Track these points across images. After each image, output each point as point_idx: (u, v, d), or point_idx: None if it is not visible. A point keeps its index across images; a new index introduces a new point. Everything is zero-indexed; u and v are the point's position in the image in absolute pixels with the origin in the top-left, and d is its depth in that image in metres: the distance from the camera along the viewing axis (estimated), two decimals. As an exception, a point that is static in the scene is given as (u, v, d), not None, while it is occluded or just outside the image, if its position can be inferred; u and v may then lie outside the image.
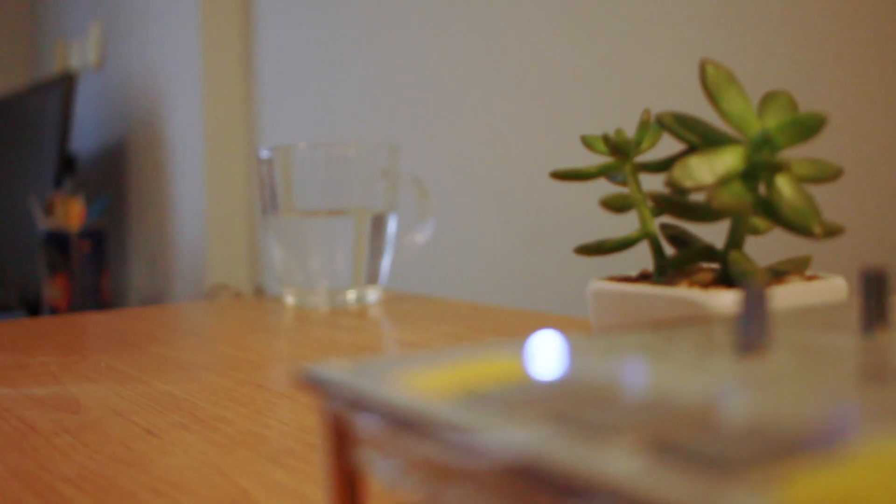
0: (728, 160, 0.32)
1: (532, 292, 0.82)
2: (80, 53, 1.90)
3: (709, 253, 0.34)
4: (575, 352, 0.21)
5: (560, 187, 0.78)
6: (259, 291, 1.33)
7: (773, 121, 0.33)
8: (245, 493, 0.30)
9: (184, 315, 0.83)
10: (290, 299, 0.77)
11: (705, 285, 0.33)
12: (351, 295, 0.75)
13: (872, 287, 0.24)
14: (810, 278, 0.34)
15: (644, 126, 0.35)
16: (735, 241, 0.34)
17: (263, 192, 0.77)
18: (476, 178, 0.90)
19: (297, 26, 1.21)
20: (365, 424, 0.19)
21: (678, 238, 0.36)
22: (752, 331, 0.21)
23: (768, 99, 0.34)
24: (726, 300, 0.31)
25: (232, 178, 1.35)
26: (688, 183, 0.31)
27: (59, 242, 1.48)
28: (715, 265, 0.35)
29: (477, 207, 0.89)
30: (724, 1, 0.65)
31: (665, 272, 0.35)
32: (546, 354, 0.21)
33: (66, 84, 1.58)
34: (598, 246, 0.36)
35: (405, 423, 0.17)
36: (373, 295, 0.77)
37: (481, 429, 0.15)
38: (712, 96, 0.33)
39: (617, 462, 0.13)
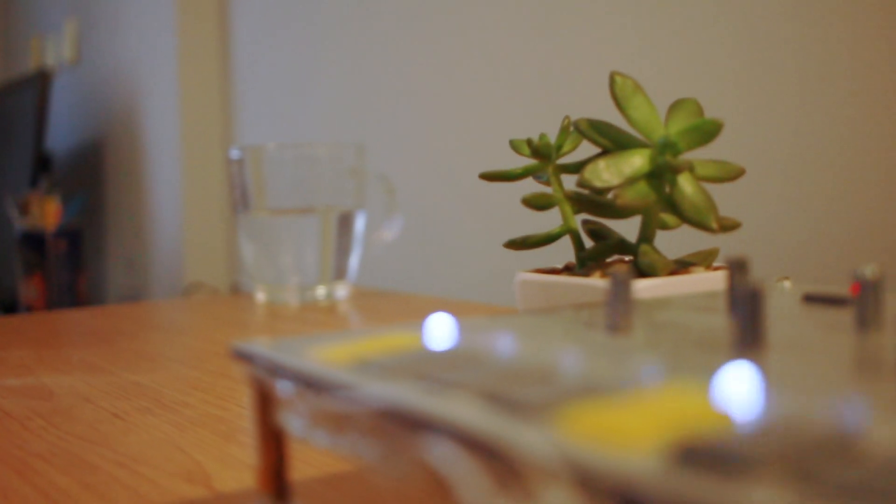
0: (634, 162, 0.36)
1: (499, 287, 0.87)
2: (56, 51, 1.94)
3: (623, 246, 0.39)
4: (462, 329, 0.26)
5: (527, 185, 0.82)
6: (235, 289, 1.37)
7: (675, 126, 0.37)
8: (199, 464, 0.35)
9: (157, 311, 0.87)
10: (261, 296, 0.82)
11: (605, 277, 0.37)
12: (320, 291, 0.80)
13: (735, 272, 0.29)
14: (715, 269, 0.39)
15: (565, 131, 0.40)
16: (645, 235, 0.38)
17: (234, 192, 0.82)
18: (446, 176, 0.94)
19: (273, 26, 1.25)
20: (281, 389, 0.24)
21: (597, 233, 0.40)
22: (616, 313, 0.26)
23: (676, 106, 0.39)
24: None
25: (209, 177, 1.39)
26: (597, 183, 0.36)
27: (34, 242, 1.52)
28: (629, 257, 0.39)
29: (446, 204, 0.94)
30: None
31: (585, 264, 0.39)
32: (434, 332, 0.26)
33: (41, 82, 1.62)
34: (524, 241, 0.40)
35: (310, 385, 0.22)
36: (342, 291, 0.81)
37: (361, 385, 0.20)
38: (619, 104, 0.37)
39: (454, 408, 0.18)
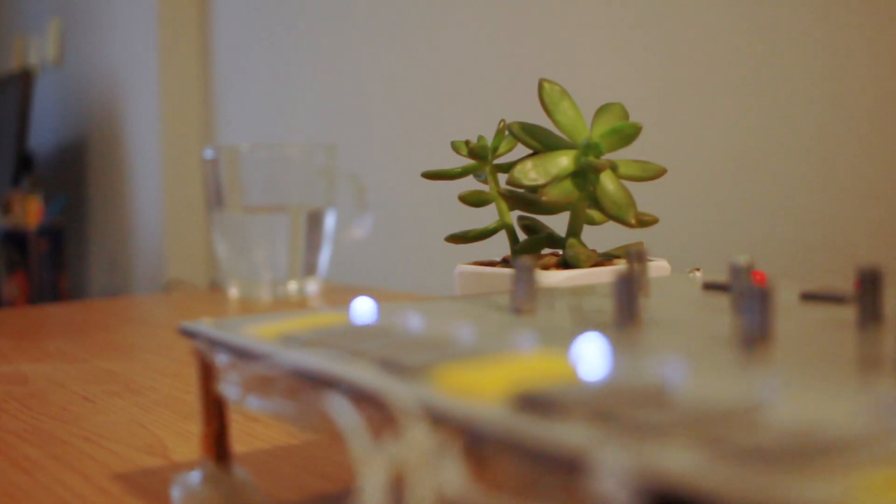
0: (561, 162, 0.40)
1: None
2: (39, 51, 1.97)
3: (552, 240, 0.43)
4: (381, 310, 0.30)
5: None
6: (214, 286, 1.41)
7: (599, 129, 0.41)
8: (159, 439, 0.39)
9: (132, 306, 0.91)
10: (234, 291, 0.86)
11: (546, 266, 0.41)
12: (292, 286, 0.84)
13: (634, 261, 0.33)
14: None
15: (500, 133, 0.44)
16: (573, 229, 0.42)
17: (209, 191, 0.85)
18: (416, 175, 0.98)
19: (253, 27, 1.29)
20: (219, 360, 0.27)
21: (530, 228, 0.44)
22: (520, 296, 0.30)
23: (602, 110, 0.43)
24: (555, 278, 0.39)
25: (189, 176, 1.43)
26: (525, 181, 0.40)
27: (16, 241, 1.56)
28: (559, 250, 0.43)
29: (416, 203, 0.98)
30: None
31: (519, 256, 0.43)
32: (356, 312, 0.30)
33: (23, 81, 1.66)
34: (463, 235, 0.44)
35: (241, 356, 0.26)
36: (313, 286, 0.85)
37: (280, 353, 0.24)
38: (547, 109, 0.41)
39: (349, 370, 0.22)
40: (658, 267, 0.42)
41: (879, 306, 0.26)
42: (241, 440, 0.38)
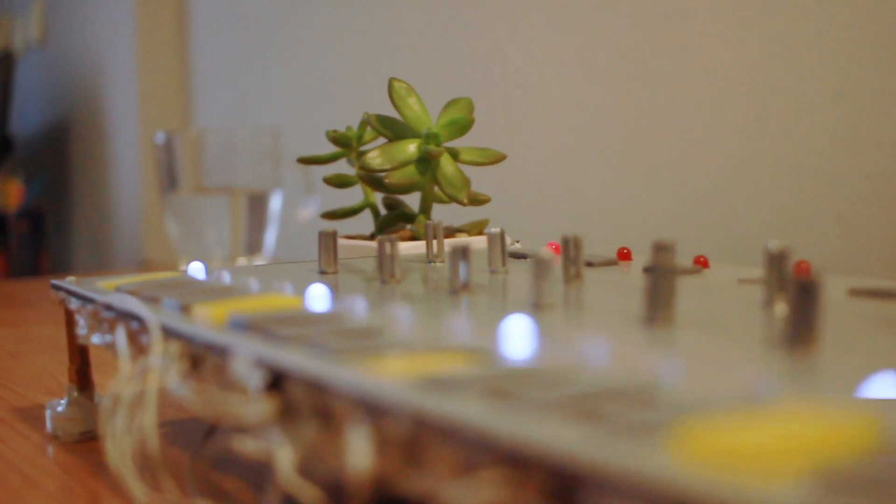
0: (407, 150, 0.50)
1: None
2: (23, 32, 2.08)
3: (406, 216, 0.52)
4: (208, 271, 0.40)
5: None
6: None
7: (441, 121, 0.51)
8: (61, 385, 0.49)
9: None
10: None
11: (402, 239, 0.51)
12: (240, 264, 0.94)
13: (434, 232, 0.42)
14: (479, 234, 0.52)
15: (363, 124, 0.53)
16: (424, 207, 0.52)
17: (161, 173, 0.95)
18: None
19: (230, 10, 1.39)
20: (74, 306, 0.37)
21: (390, 206, 0.54)
22: (385, 268, 0.39)
23: (450, 104, 0.52)
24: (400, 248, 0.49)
25: (164, 158, 1.53)
26: (373, 166, 0.49)
27: (-3, 222, 1.67)
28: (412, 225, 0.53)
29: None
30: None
31: (381, 230, 0.53)
32: (187, 271, 0.39)
33: (5, 63, 1.76)
34: (333, 213, 0.54)
35: (85, 301, 0.36)
36: (259, 264, 0.95)
37: (102, 297, 0.34)
38: (396, 104, 0.50)
39: (135, 305, 0.31)
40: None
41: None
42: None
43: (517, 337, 0.25)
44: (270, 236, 0.95)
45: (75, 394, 0.39)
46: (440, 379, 0.21)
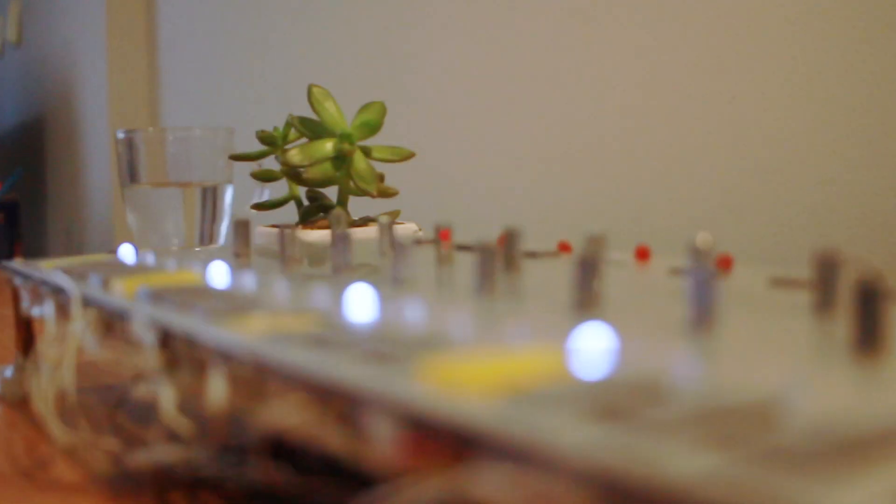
0: (324, 148, 0.55)
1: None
2: (2, 31, 2.11)
3: (324, 208, 0.57)
4: (138, 254, 0.45)
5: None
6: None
7: (355, 122, 0.56)
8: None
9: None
10: (145, 257, 1.00)
11: (320, 228, 0.56)
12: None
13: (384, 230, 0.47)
14: (395, 223, 0.57)
15: (288, 125, 0.58)
16: (340, 200, 0.57)
17: (121, 168, 1.00)
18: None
19: (198, 11, 1.43)
20: (19, 284, 0.42)
21: (312, 199, 0.59)
22: (287, 253, 0.45)
23: (364, 107, 0.57)
24: (310, 236, 0.54)
25: (133, 153, 1.57)
26: (294, 162, 0.54)
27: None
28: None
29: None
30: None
31: (304, 220, 0.58)
32: (118, 254, 0.44)
33: (-18, 63, 1.80)
34: (261, 205, 0.59)
35: (26, 279, 0.41)
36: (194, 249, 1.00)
37: (40, 275, 0.39)
38: (314, 108, 0.56)
39: (63, 280, 0.36)
40: (406, 228, 0.56)
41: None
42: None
43: (356, 303, 0.30)
44: (223, 227, 1.00)
45: (20, 360, 0.44)
46: (283, 334, 0.26)
